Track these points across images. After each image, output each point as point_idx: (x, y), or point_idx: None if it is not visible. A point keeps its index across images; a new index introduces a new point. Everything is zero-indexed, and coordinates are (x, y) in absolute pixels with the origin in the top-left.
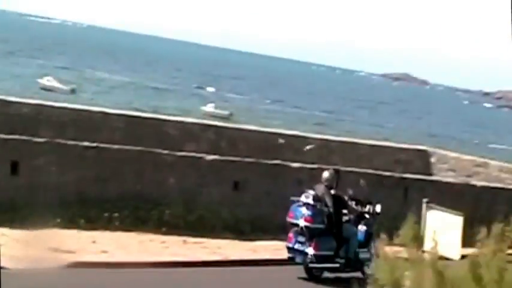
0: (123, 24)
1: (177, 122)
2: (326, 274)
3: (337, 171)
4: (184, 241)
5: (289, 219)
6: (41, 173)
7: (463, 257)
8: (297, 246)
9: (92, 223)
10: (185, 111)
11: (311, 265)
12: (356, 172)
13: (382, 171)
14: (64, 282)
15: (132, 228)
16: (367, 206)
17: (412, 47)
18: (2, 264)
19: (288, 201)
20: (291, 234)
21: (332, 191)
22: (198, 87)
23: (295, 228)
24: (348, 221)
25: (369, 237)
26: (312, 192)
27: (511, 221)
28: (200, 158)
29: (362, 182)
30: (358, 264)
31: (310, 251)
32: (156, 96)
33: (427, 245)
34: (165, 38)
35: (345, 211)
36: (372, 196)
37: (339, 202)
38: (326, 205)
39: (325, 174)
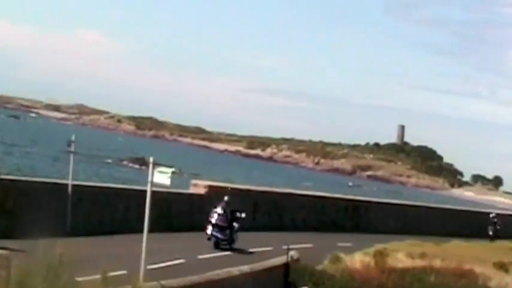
0: None
1: None
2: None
3: (231, 196)
4: None
5: (210, 219)
6: None
7: None
8: (213, 233)
9: None
10: None
11: (219, 241)
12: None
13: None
14: None
15: None
16: (238, 213)
17: None
18: None
19: None
20: (209, 226)
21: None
22: None
23: (212, 223)
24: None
25: (238, 228)
26: (221, 206)
27: None
28: None
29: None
30: (234, 241)
31: (219, 235)
32: None
33: None
34: None
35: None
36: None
37: (232, 211)
38: (226, 213)
39: (226, 198)
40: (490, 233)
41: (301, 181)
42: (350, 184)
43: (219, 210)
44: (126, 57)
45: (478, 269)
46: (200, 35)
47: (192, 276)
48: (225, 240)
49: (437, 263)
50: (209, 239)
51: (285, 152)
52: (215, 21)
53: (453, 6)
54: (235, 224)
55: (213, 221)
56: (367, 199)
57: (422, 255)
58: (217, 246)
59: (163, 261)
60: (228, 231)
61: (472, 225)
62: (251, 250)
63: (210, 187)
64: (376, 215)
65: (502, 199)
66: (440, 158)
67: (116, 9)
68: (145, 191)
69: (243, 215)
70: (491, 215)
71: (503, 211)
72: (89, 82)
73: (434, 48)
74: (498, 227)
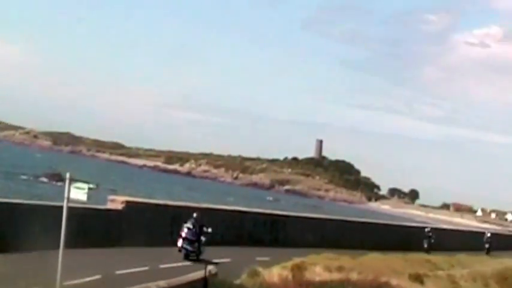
0: None
1: None
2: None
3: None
4: None
5: (181, 233)
6: None
7: None
8: (184, 245)
9: None
10: None
11: (189, 253)
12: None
13: None
14: None
15: None
16: (205, 228)
17: None
18: None
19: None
20: (180, 239)
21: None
22: None
23: (183, 237)
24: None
25: (205, 242)
26: (190, 221)
27: None
28: None
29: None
30: (202, 253)
31: (189, 247)
32: None
33: None
34: None
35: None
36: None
37: (200, 226)
38: (195, 227)
39: (195, 214)
40: (425, 245)
41: (222, 196)
42: (269, 198)
43: (188, 225)
44: (42, 71)
45: (394, 281)
46: (117, 50)
47: None
48: (193, 252)
49: (354, 276)
50: (180, 250)
51: (204, 167)
52: (135, 35)
53: (370, 22)
54: (203, 238)
55: (183, 234)
56: (285, 213)
57: (340, 268)
58: (187, 257)
59: (79, 278)
60: (196, 244)
61: (390, 238)
62: (167, 266)
63: (128, 202)
64: (294, 229)
65: (417, 212)
66: (357, 172)
67: (32, 22)
68: (61, 207)
69: (210, 229)
70: (426, 229)
71: (433, 225)
72: (2, 96)
73: (352, 64)
74: (432, 241)
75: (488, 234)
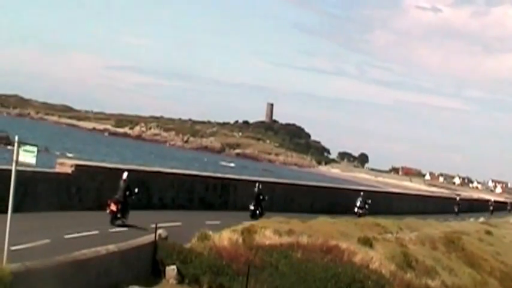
0: None
1: None
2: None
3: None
4: None
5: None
6: None
7: None
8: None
9: None
10: None
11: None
12: None
13: None
14: None
15: None
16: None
17: None
18: None
19: None
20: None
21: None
22: None
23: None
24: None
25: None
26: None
27: None
28: None
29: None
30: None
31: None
32: None
33: None
34: None
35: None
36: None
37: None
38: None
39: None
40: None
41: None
42: (223, 163)
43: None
44: None
45: (343, 244)
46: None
47: (58, 257)
48: (117, 216)
49: (304, 240)
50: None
51: (154, 130)
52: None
53: None
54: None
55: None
56: (236, 177)
57: (290, 232)
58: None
59: (28, 242)
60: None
61: (337, 201)
62: (118, 230)
63: (77, 166)
64: (244, 193)
65: (366, 176)
66: (308, 135)
67: None
68: (9, 170)
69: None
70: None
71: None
72: None
73: (303, 27)
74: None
75: (458, 198)
